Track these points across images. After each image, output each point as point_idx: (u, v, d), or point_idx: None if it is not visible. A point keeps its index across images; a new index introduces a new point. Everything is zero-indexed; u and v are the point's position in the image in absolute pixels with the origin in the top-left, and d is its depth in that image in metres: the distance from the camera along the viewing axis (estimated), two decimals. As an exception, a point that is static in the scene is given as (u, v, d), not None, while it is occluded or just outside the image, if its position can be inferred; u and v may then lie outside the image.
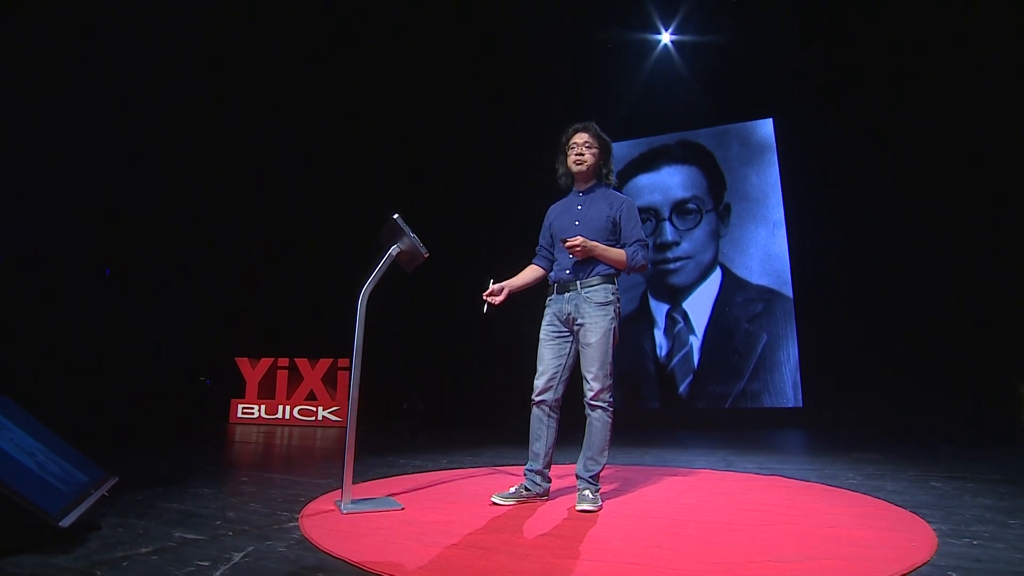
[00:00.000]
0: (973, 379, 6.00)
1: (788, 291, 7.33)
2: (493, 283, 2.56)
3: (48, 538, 1.66)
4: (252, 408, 6.74)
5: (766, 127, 7.81)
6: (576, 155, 2.51)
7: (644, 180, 8.36)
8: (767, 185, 7.71)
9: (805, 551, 1.67)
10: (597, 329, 2.36)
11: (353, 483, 2.28)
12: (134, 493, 2.43)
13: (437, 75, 8.14)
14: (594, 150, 2.52)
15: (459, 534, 1.88)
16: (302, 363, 6.91)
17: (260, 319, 8.21)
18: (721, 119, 8.03)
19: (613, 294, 2.42)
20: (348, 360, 7.11)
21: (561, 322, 2.46)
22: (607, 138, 2.56)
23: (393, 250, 2.50)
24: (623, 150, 8.30)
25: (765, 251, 7.58)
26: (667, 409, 7.63)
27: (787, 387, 7.11)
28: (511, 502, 2.36)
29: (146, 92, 7.09)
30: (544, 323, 2.51)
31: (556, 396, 2.46)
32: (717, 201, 8.01)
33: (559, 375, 2.45)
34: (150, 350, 7.48)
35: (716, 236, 7.92)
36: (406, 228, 2.42)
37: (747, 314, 7.52)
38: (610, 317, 2.39)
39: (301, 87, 7.99)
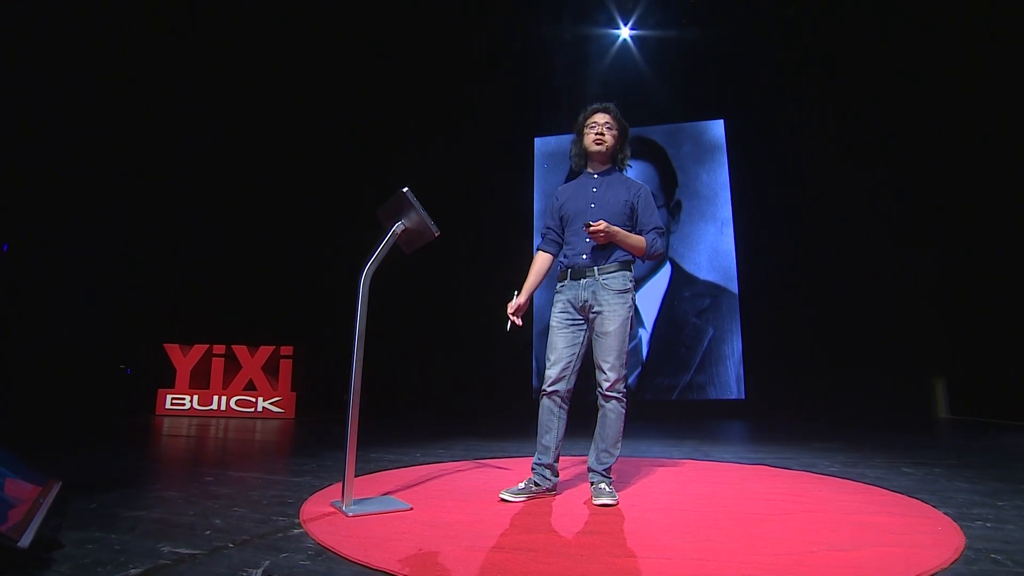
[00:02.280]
0: (897, 373, 6.55)
1: (734, 287, 7.66)
2: (517, 294, 2.39)
3: (5, 563, 1.34)
4: (183, 399, 6.12)
5: (717, 128, 8.09)
6: (596, 135, 2.40)
7: (599, 173, 8.43)
8: (717, 184, 7.99)
9: (851, 539, 1.67)
10: (615, 317, 2.27)
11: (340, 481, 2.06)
12: (83, 500, 2.07)
13: (373, 66, 7.80)
14: (614, 132, 2.42)
15: (491, 535, 1.73)
16: (240, 350, 6.37)
17: (192, 302, 7.47)
18: (675, 117, 8.23)
19: (630, 281, 2.34)
20: (291, 348, 6.65)
21: (576, 309, 2.35)
22: (626, 123, 2.46)
23: (398, 227, 2.28)
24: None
25: (713, 248, 7.87)
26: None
27: (731, 380, 7.43)
28: (522, 498, 2.24)
29: (53, 46, 6.21)
30: (556, 310, 2.39)
31: (569, 387, 2.35)
32: (668, 197, 8.21)
33: (572, 364, 2.35)
34: (60, 336, 6.59)
35: (666, 232, 8.12)
36: (416, 203, 2.21)
37: (695, 308, 7.79)
38: (628, 305, 2.31)
39: (232, 53, 7.32)
